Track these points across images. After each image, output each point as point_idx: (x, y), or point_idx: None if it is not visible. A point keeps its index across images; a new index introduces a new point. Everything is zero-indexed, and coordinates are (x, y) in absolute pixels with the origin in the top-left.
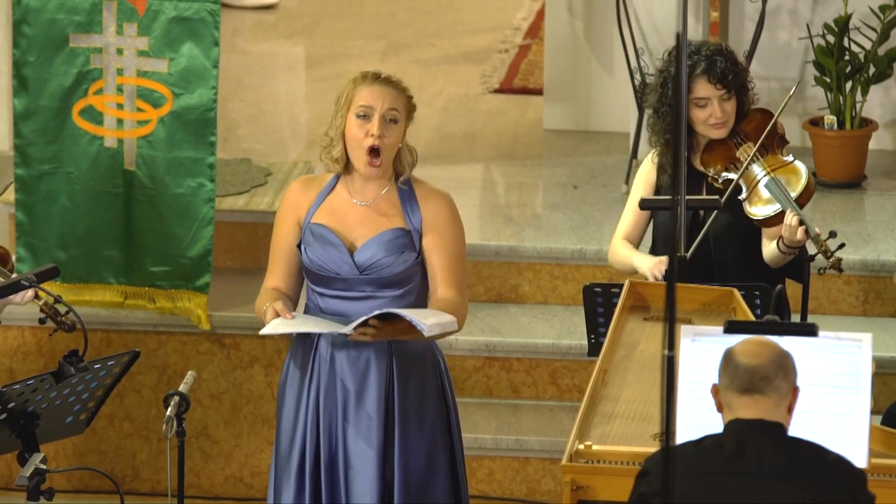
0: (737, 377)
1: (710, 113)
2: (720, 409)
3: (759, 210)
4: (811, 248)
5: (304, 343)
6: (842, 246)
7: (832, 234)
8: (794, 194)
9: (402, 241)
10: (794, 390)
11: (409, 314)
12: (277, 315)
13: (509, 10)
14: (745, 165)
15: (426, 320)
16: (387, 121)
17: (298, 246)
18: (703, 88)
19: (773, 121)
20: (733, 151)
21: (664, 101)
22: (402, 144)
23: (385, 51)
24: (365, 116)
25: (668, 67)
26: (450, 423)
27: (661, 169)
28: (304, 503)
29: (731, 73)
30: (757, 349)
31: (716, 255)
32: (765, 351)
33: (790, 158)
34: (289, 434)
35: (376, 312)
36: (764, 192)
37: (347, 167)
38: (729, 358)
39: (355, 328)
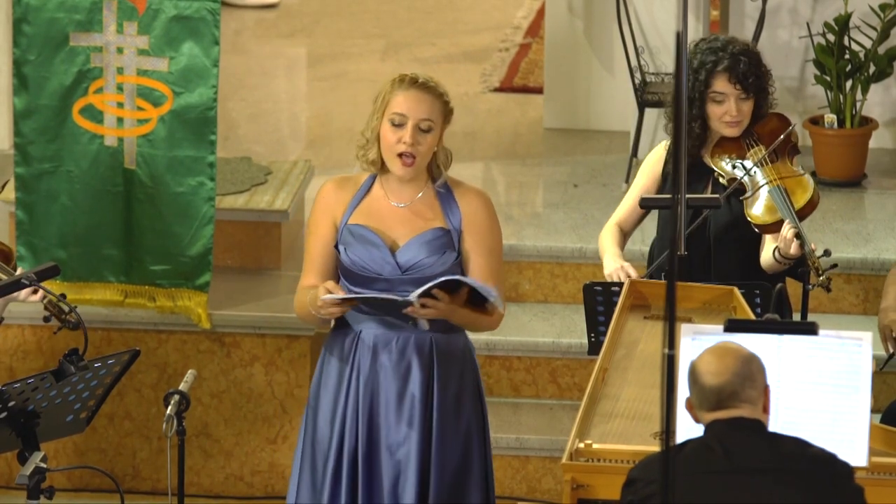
0: (704, 398)
1: (726, 110)
2: (696, 421)
3: (758, 214)
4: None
5: (344, 342)
6: (834, 266)
7: (826, 253)
8: (796, 206)
9: (443, 241)
10: (765, 391)
11: (475, 283)
12: (329, 292)
13: (509, 9)
14: (752, 167)
15: (491, 291)
16: (420, 130)
17: (336, 247)
18: (722, 85)
19: (788, 130)
20: (744, 151)
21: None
22: (437, 147)
23: (385, 49)
24: (399, 125)
25: (693, 59)
26: (484, 423)
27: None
28: (340, 501)
29: (752, 76)
30: (719, 365)
31: (715, 253)
32: (727, 365)
33: (800, 170)
34: (326, 431)
35: (442, 279)
36: (766, 197)
37: (383, 167)
38: (694, 376)
39: (419, 296)
